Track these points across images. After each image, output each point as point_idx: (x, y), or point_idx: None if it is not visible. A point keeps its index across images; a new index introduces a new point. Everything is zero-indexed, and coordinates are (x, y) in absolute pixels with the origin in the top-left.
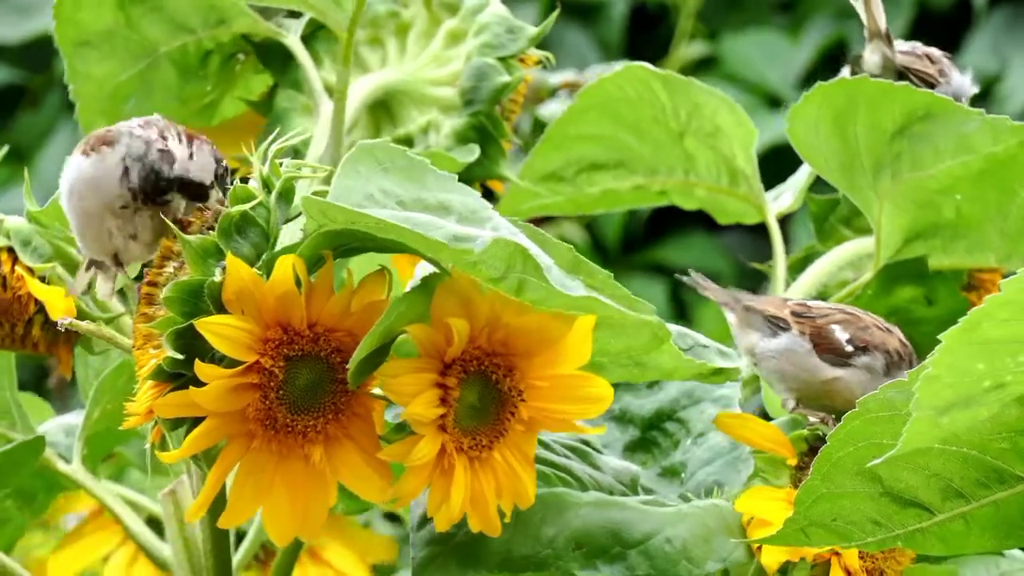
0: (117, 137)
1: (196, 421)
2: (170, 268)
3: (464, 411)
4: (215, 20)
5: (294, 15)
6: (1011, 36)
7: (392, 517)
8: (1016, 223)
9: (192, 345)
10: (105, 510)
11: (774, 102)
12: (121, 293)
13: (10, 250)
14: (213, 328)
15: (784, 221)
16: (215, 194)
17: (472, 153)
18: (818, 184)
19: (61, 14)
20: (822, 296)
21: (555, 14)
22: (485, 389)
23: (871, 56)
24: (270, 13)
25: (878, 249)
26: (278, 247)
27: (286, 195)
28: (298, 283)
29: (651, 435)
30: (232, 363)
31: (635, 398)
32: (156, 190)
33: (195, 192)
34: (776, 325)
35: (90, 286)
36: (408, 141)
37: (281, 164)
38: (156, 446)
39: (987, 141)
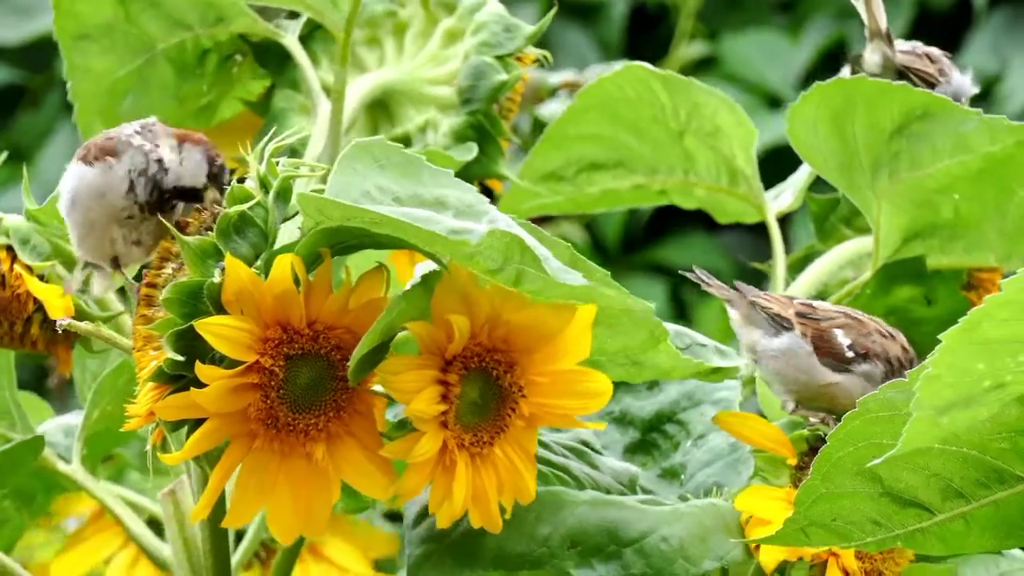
0: (119, 148)
1: (197, 422)
2: (169, 269)
3: (465, 407)
4: (213, 18)
5: (293, 15)
6: (1011, 36)
7: (392, 516)
8: (1014, 222)
9: (192, 346)
10: (105, 512)
11: (774, 102)
12: (121, 292)
13: (9, 248)
14: (213, 329)
15: (784, 221)
16: (211, 194)
17: (470, 152)
18: (818, 183)
19: (60, 5)
20: (822, 295)
21: (552, 12)
22: (486, 385)
23: (871, 56)
24: (269, 13)
25: (877, 248)
26: (278, 246)
27: (283, 194)
28: (297, 282)
29: (651, 437)
30: (232, 363)
31: (635, 400)
32: (161, 201)
33: (190, 196)
34: (779, 324)
35: (86, 284)
36: (406, 140)
37: (278, 163)
38: (158, 448)
39: (984, 141)
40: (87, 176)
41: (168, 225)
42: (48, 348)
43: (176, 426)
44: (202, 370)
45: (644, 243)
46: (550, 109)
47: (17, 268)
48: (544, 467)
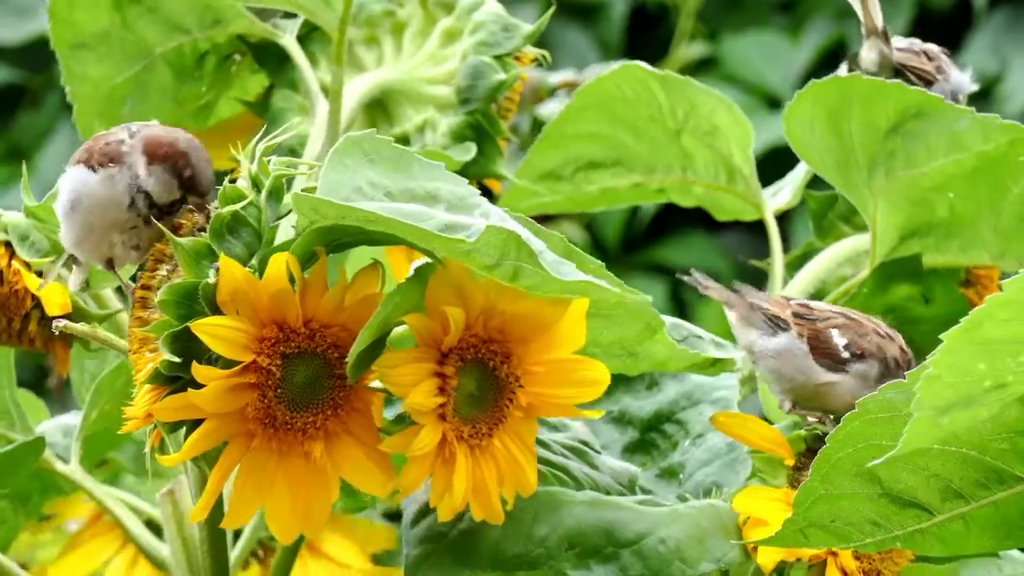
0: (118, 157)
1: (195, 423)
2: (163, 271)
3: (463, 399)
4: (211, 21)
5: (290, 16)
6: (1011, 36)
7: (391, 516)
8: (1009, 220)
9: (188, 347)
10: (102, 514)
11: (774, 103)
12: (119, 291)
13: (7, 245)
14: (209, 329)
15: (784, 220)
16: (193, 199)
17: (468, 151)
18: (817, 181)
19: (57, 14)
20: (820, 292)
21: (551, 12)
22: (483, 376)
23: (868, 53)
24: (266, 14)
25: (874, 247)
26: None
27: (276, 193)
28: (292, 280)
29: (650, 436)
30: (229, 363)
31: (634, 400)
32: (161, 213)
33: (174, 208)
34: (776, 325)
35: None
36: (404, 140)
37: (270, 162)
38: (156, 449)
39: (978, 139)
40: (90, 183)
41: (162, 227)
42: (46, 346)
43: (174, 427)
44: (199, 371)
45: (644, 243)
46: (549, 109)
47: (15, 264)
48: (543, 467)
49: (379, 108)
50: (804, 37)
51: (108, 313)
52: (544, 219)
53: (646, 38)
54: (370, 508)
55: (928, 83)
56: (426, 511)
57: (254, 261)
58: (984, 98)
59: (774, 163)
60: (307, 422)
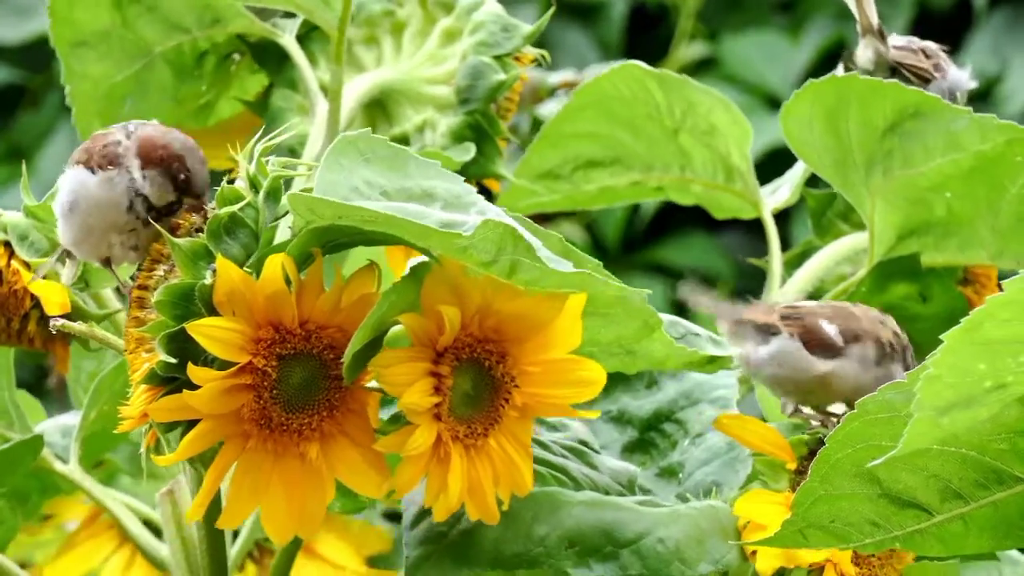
0: (116, 159)
1: (191, 424)
2: (160, 271)
3: (458, 399)
4: (210, 20)
5: (290, 15)
6: (1011, 36)
7: (391, 516)
8: (1007, 220)
9: (184, 348)
10: (99, 515)
11: (774, 103)
12: (119, 291)
13: (7, 245)
14: (205, 330)
15: (784, 219)
16: (189, 201)
17: (468, 151)
18: (815, 179)
19: (57, 12)
20: (819, 291)
21: (550, 12)
22: (478, 376)
23: (864, 52)
24: (266, 14)
25: (872, 246)
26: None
27: (274, 194)
28: (288, 282)
29: (649, 436)
30: (225, 364)
31: (633, 399)
32: (159, 215)
33: (173, 210)
34: (766, 332)
35: (84, 281)
36: (404, 140)
37: (268, 163)
38: (151, 450)
39: (975, 139)
40: (89, 185)
41: (159, 228)
42: (45, 345)
43: (170, 428)
44: (194, 372)
45: (644, 243)
46: (549, 109)
47: (15, 264)
48: (543, 468)
49: (378, 108)
50: (804, 37)
51: (107, 313)
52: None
53: (646, 38)
54: (369, 508)
55: (926, 81)
56: (426, 512)
57: (251, 262)
58: (984, 98)
59: (774, 163)
60: (303, 423)
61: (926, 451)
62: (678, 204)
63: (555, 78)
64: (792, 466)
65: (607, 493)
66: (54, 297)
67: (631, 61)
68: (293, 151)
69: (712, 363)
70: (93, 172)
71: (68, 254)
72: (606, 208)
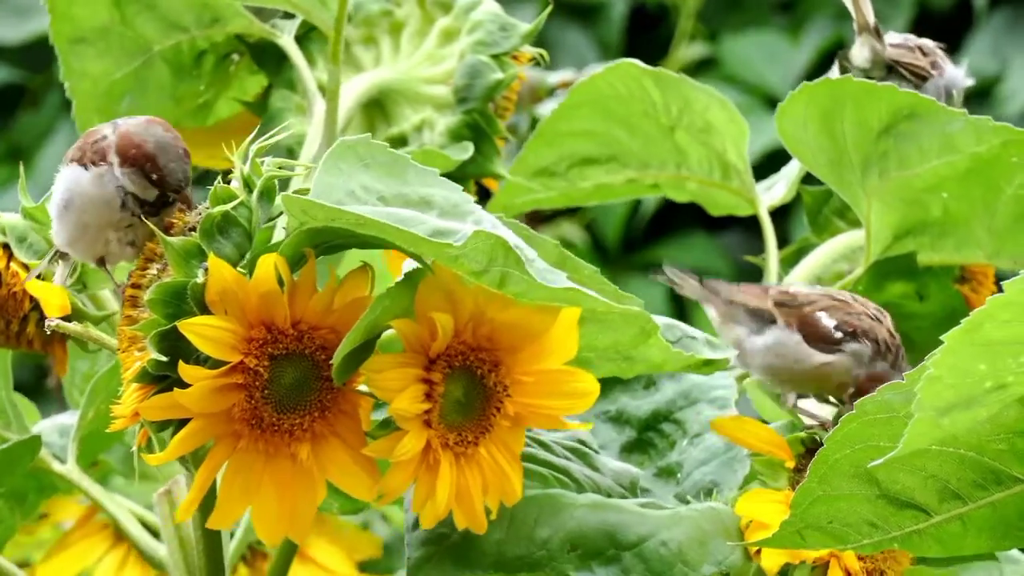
0: (104, 154)
1: (182, 423)
2: (153, 270)
3: (449, 406)
4: (209, 19)
5: (289, 16)
6: (1011, 37)
7: None
8: (1003, 220)
9: (176, 347)
10: (93, 515)
11: (774, 103)
12: (116, 292)
13: (5, 246)
14: (196, 329)
15: (783, 217)
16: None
17: (466, 151)
18: (811, 176)
19: (56, 9)
20: None
21: (548, 11)
22: (470, 384)
23: (860, 50)
24: (265, 14)
25: (868, 245)
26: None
27: (267, 194)
28: (281, 282)
29: (647, 436)
30: (217, 363)
31: (632, 399)
32: (152, 209)
33: (156, 207)
34: (760, 318)
35: (81, 282)
36: (402, 139)
37: (263, 163)
38: (143, 448)
39: (971, 141)
40: (82, 181)
41: (152, 226)
42: (44, 348)
43: (162, 427)
44: (185, 370)
45: (644, 243)
46: (548, 109)
47: (14, 266)
48: (544, 469)
49: (377, 108)
50: (804, 37)
51: (106, 315)
52: (543, 219)
53: (646, 38)
54: (368, 509)
55: (922, 79)
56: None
57: (245, 262)
58: (984, 98)
59: (773, 163)
60: (294, 424)
61: (924, 452)
62: (678, 204)
63: (554, 78)
64: (791, 465)
65: (609, 495)
66: (54, 299)
67: (627, 59)
68: (291, 151)
69: (709, 366)
70: (86, 168)
71: (62, 255)
72: (606, 208)
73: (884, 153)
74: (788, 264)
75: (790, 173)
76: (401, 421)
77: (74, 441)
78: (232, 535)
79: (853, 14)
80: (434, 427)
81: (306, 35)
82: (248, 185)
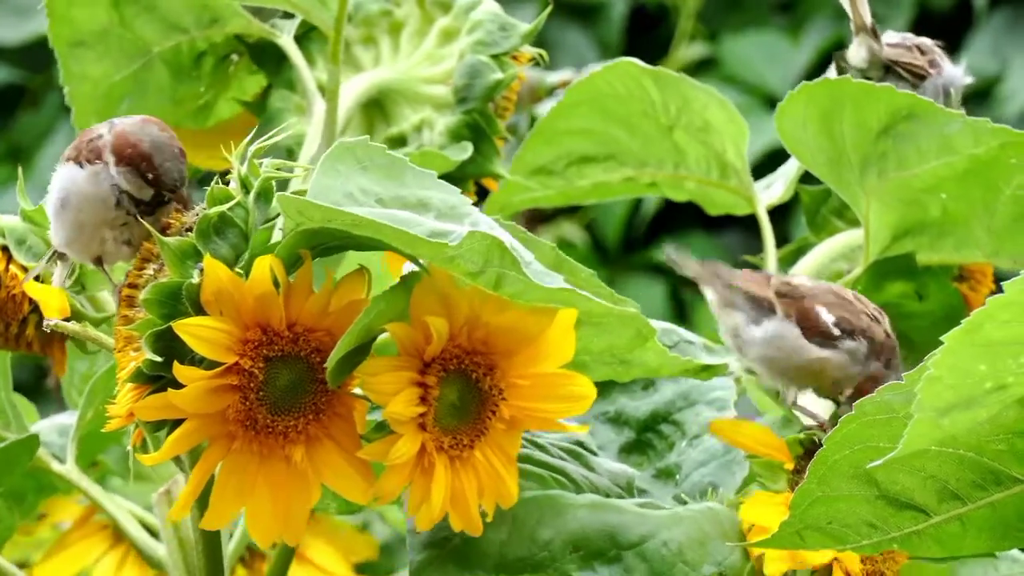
0: (100, 153)
1: (177, 423)
2: (150, 270)
3: (444, 410)
4: (208, 20)
5: (288, 16)
6: (1011, 37)
7: None
8: (1002, 220)
9: (171, 347)
10: (91, 515)
11: (774, 103)
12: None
13: (4, 249)
14: (191, 330)
15: (783, 216)
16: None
17: (465, 151)
18: (809, 175)
19: (55, 12)
20: None
21: (548, 11)
22: (466, 388)
23: (858, 51)
24: (264, 14)
25: (867, 245)
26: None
27: (265, 195)
28: (277, 284)
29: (646, 437)
30: (211, 364)
31: (630, 400)
32: (148, 208)
33: (151, 206)
34: (760, 306)
35: (79, 283)
36: (402, 139)
37: (261, 164)
38: (138, 448)
39: (969, 143)
40: (78, 180)
41: (148, 226)
42: (43, 349)
43: (157, 427)
44: (180, 371)
45: (644, 243)
46: (547, 108)
47: (13, 269)
48: (543, 470)
49: (376, 108)
50: (804, 38)
51: (105, 316)
52: (543, 219)
53: (646, 38)
54: (370, 511)
55: (920, 78)
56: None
57: (242, 263)
58: (984, 98)
59: (773, 164)
60: (288, 426)
61: (924, 452)
62: (678, 204)
63: (554, 78)
64: (789, 466)
65: (607, 496)
66: (53, 301)
67: (626, 58)
68: (291, 151)
69: (707, 371)
70: (81, 167)
71: (60, 256)
72: (606, 208)
73: (883, 154)
74: (787, 263)
75: (788, 172)
76: (396, 424)
77: (73, 441)
78: (231, 535)
79: (850, 14)
80: (429, 430)
81: (305, 35)
82: (245, 186)
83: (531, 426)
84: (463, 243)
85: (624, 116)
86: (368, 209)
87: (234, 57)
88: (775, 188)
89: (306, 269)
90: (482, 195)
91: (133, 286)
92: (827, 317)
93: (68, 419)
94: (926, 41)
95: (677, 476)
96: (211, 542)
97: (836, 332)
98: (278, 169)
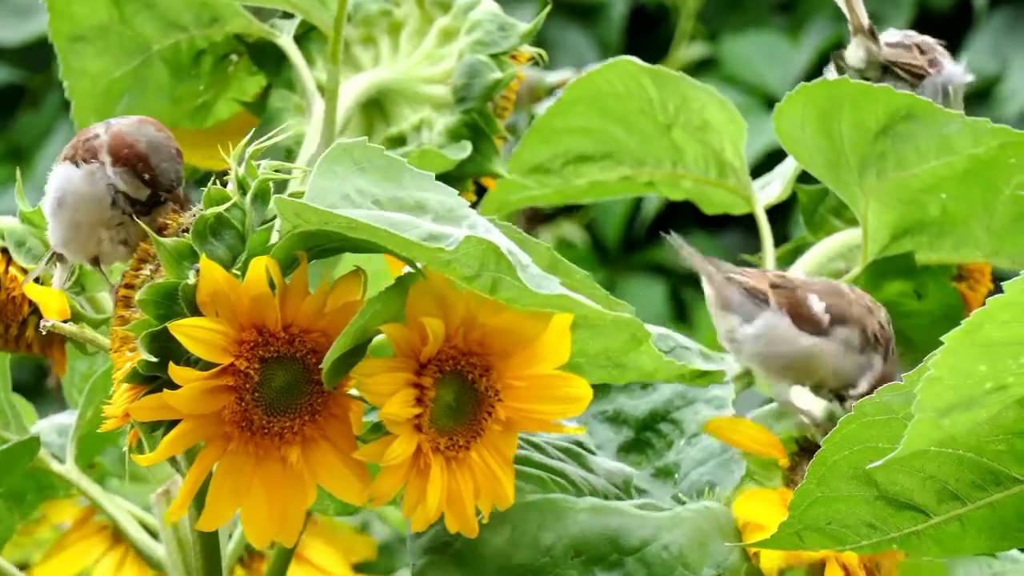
0: (96, 152)
1: (173, 424)
2: (146, 271)
3: (440, 411)
4: (208, 19)
5: (288, 15)
6: (1011, 37)
7: None
8: (1002, 220)
9: (167, 348)
10: (91, 516)
11: (774, 104)
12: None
13: (4, 251)
14: (187, 331)
15: (782, 216)
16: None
17: (464, 150)
18: (807, 174)
19: (55, 7)
20: None
21: (547, 10)
22: (461, 389)
23: (856, 51)
24: (264, 14)
25: (865, 244)
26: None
27: (262, 196)
28: (273, 285)
29: (645, 436)
30: (207, 365)
31: (629, 399)
32: (144, 208)
33: (148, 206)
34: (755, 297)
35: (79, 284)
36: (401, 139)
37: (258, 165)
38: (134, 449)
39: (968, 143)
40: (74, 180)
41: (144, 227)
42: (43, 351)
43: (152, 427)
44: (175, 372)
45: (645, 243)
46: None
47: (12, 270)
48: (542, 472)
49: (376, 107)
50: (804, 38)
51: (104, 318)
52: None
53: (646, 39)
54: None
55: (919, 77)
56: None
57: (238, 264)
58: (984, 98)
59: (772, 164)
60: (284, 427)
61: (923, 453)
62: (678, 204)
63: (553, 77)
64: (784, 463)
65: (606, 497)
66: (53, 303)
67: (625, 57)
68: (290, 151)
69: (703, 377)
70: (77, 166)
71: (59, 257)
72: (606, 208)
73: (882, 154)
74: (785, 262)
75: (786, 171)
76: (391, 425)
77: (73, 441)
78: (231, 536)
79: (848, 16)
80: (425, 431)
81: (305, 35)
82: (242, 187)
83: (527, 427)
84: (459, 248)
85: (622, 114)
86: (364, 212)
87: (233, 57)
88: (772, 187)
89: (302, 271)
90: (481, 195)
91: (129, 286)
92: (818, 305)
93: (67, 419)
94: (927, 40)
95: (676, 475)
96: (209, 542)
97: (827, 319)
98: (275, 171)
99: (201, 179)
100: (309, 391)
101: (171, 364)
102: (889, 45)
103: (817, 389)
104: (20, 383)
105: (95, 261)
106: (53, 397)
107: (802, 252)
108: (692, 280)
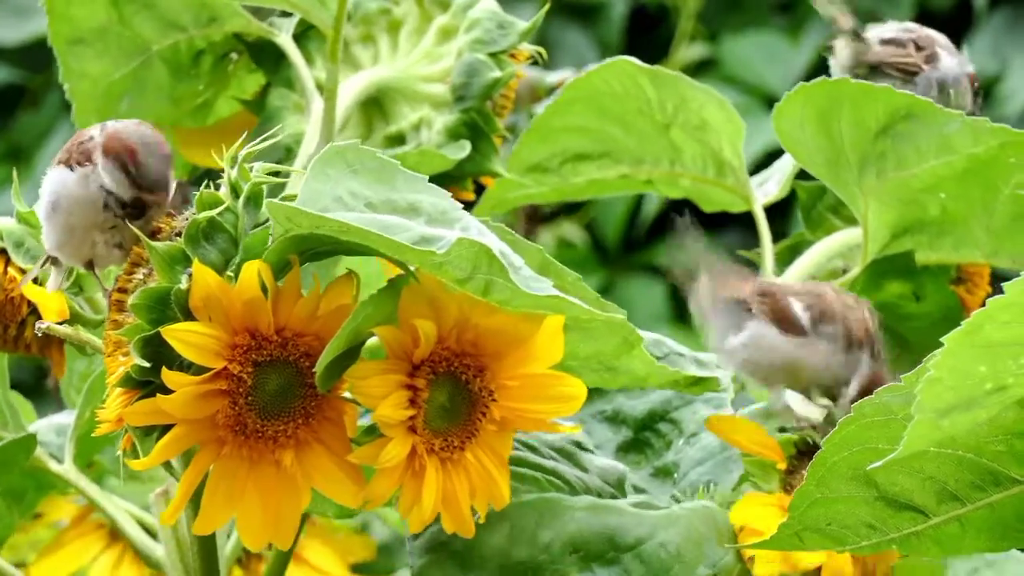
0: (90, 154)
1: (167, 428)
2: (140, 275)
3: (434, 412)
4: (207, 18)
5: (287, 14)
6: (1011, 37)
7: None
8: (1002, 219)
9: (160, 352)
10: (88, 514)
11: (773, 104)
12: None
13: (2, 251)
14: (180, 335)
15: (782, 215)
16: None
17: (463, 149)
18: (805, 171)
19: (54, 9)
20: None
21: (546, 9)
22: (455, 390)
23: (842, 51)
24: (263, 13)
25: (865, 244)
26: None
27: (255, 200)
28: (265, 289)
29: (644, 435)
30: (200, 370)
31: (628, 399)
32: (134, 212)
33: (137, 210)
34: (739, 310)
35: (77, 285)
36: (400, 138)
37: (251, 168)
38: (127, 453)
39: (968, 142)
40: (68, 183)
41: (136, 231)
42: (42, 351)
43: (147, 432)
44: (168, 376)
45: (645, 244)
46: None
47: (11, 271)
48: (537, 472)
49: (375, 106)
50: (804, 38)
51: (103, 319)
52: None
53: (646, 39)
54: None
55: (911, 74)
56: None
57: (231, 268)
58: (984, 98)
59: (771, 164)
60: (278, 430)
61: (923, 453)
62: (678, 204)
63: (553, 77)
64: (782, 466)
65: (600, 495)
66: (51, 304)
67: (623, 56)
68: (289, 150)
69: (696, 384)
70: (72, 169)
71: (54, 260)
72: (606, 208)
73: (881, 153)
74: (783, 261)
75: (783, 169)
76: (385, 427)
77: (71, 440)
78: (229, 536)
79: (829, 19)
80: (419, 433)
81: (304, 34)
82: (235, 191)
83: (522, 427)
84: (451, 250)
85: (620, 114)
86: (356, 215)
87: (233, 56)
88: (770, 185)
89: (294, 274)
90: (481, 194)
91: (123, 290)
92: (797, 306)
93: (66, 419)
94: (927, 34)
95: (675, 475)
96: (207, 543)
97: (807, 318)
98: (268, 173)
99: (198, 179)
100: (303, 394)
101: (164, 369)
102: (882, 42)
103: (809, 392)
104: (19, 383)
105: (89, 265)
106: (53, 397)
107: (800, 249)
108: (691, 281)
